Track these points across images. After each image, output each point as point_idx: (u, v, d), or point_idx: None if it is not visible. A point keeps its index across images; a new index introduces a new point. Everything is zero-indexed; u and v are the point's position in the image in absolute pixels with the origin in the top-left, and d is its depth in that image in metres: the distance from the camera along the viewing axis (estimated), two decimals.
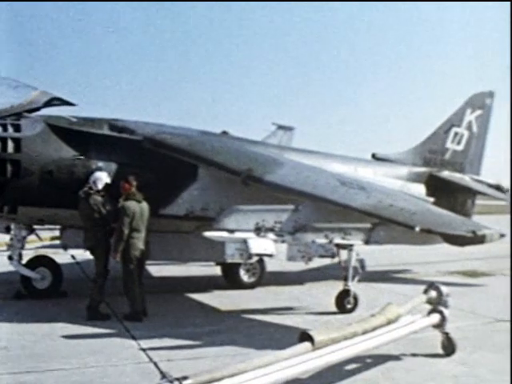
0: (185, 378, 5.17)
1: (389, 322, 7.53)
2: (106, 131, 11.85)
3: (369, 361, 7.95)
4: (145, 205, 10.74)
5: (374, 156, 16.32)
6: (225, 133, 14.55)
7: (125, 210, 10.48)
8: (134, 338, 9.20)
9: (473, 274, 16.78)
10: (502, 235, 11.07)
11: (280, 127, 18.65)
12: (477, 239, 10.53)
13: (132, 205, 10.56)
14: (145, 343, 8.82)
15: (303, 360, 6.18)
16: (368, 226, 10.98)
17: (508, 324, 10.42)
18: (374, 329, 7.27)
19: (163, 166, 11.57)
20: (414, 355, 8.36)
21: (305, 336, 6.48)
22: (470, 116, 18.13)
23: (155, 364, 7.80)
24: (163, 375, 5.22)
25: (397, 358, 8.22)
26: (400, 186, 15.18)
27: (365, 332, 7.13)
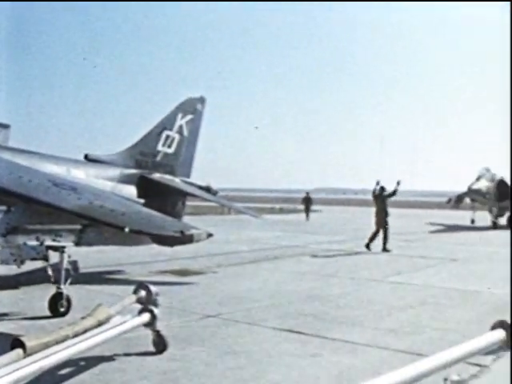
0: None
1: (99, 324, 7.53)
2: None
3: (82, 363, 7.85)
4: None
5: (86, 157, 16.07)
6: None
7: None
8: None
9: (184, 272, 17.26)
10: (210, 235, 11.65)
11: None
12: (185, 239, 10.97)
13: None
14: None
15: (16, 368, 5.96)
16: (78, 227, 10.88)
17: (215, 319, 10.97)
18: (86, 331, 7.24)
19: None
20: (126, 355, 8.41)
21: (17, 342, 6.28)
22: (181, 120, 18.62)
23: None
24: None
25: (110, 358, 8.21)
26: (111, 188, 15.14)
27: (76, 335, 7.07)
